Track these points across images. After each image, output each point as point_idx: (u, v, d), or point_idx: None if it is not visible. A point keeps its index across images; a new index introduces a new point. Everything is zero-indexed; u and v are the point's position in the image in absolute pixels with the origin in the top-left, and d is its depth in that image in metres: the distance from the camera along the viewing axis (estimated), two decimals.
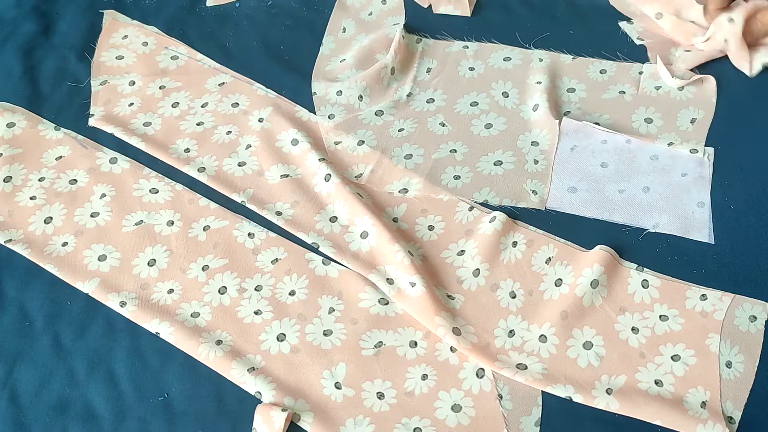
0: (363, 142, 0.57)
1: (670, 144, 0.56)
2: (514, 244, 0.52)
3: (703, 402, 0.45)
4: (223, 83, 0.62)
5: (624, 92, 0.59)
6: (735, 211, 0.52)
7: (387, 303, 0.50)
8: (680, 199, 0.53)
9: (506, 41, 0.63)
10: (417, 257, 0.52)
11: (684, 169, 0.55)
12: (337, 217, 0.54)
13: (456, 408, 0.46)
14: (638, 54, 0.61)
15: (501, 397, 0.46)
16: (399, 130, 0.58)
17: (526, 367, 0.47)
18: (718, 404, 0.45)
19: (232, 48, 0.65)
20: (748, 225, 0.52)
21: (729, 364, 0.46)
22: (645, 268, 0.51)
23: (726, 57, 0.59)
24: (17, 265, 0.53)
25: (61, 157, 0.58)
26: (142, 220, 0.55)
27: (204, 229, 0.54)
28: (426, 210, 0.55)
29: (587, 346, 0.48)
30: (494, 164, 0.56)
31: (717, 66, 0.59)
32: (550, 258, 0.51)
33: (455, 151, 0.57)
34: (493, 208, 0.54)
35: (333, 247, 0.53)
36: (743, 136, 0.56)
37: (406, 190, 0.55)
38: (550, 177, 0.55)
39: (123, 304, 0.50)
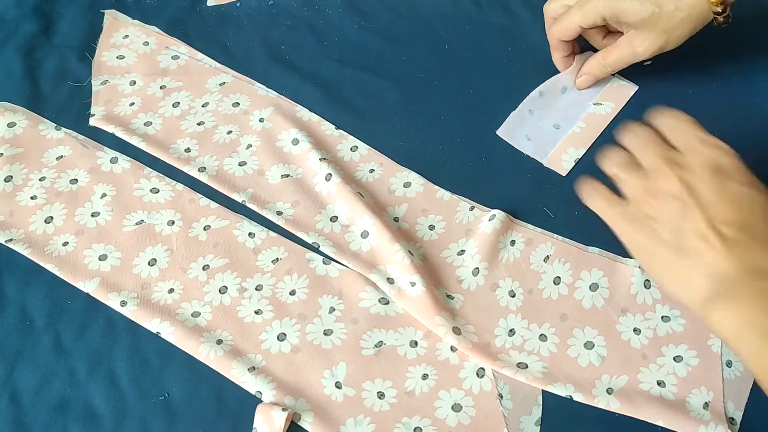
0: None
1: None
2: (513, 242, 0.52)
3: (706, 403, 0.45)
4: (224, 83, 0.62)
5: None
6: None
7: (387, 303, 0.50)
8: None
9: None
10: (417, 257, 0.52)
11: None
12: (337, 217, 0.54)
13: (456, 407, 0.46)
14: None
15: (501, 397, 0.46)
16: None
17: (526, 366, 0.47)
18: (720, 405, 0.45)
19: (233, 48, 0.65)
20: None
21: (729, 364, 0.46)
22: None
23: None
24: (18, 264, 0.53)
25: (61, 156, 0.58)
26: (142, 220, 0.55)
27: (204, 229, 0.54)
28: (426, 210, 0.55)
29: (588, 345, 0.48)
30: None
31: None
32: (548, 256, 0.51)
33: None
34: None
35: (333, 247, 0.53)
36: None
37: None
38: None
39: (123, 303, 0.50)
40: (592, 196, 0.45)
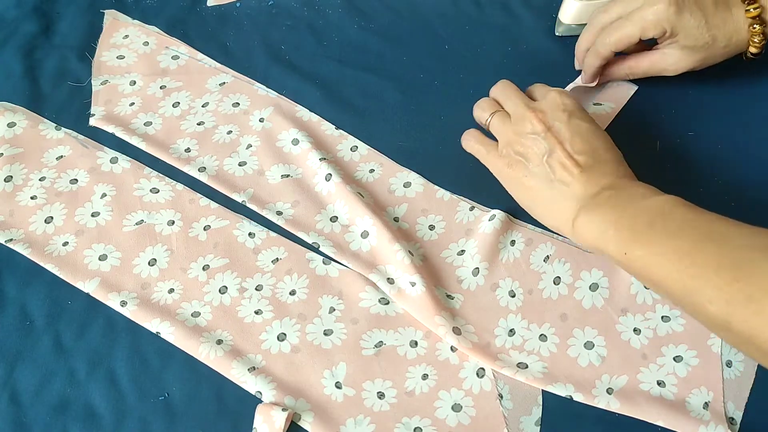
0: None
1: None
2: (513, 242, 0.52)
3: (706, 403, 0.45)
4: (224, 83, 0.62)
5: None
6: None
7: (387, 303, 0.50)
8: None
9: None
10: (417, 257, 0.52)
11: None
12: (337, 217, 0.54)
13: (456, 407, 0.46)
14: None
15: (501, 397, 0.46)
16: None
17: (526, 366, 0.47)
18: (720, 405, 0.45)
19: (233, 48, 0.65)
20: None
21: (729, 364, 0.46)
22: None
23: None
24: (18, 264, 0.53)
25: (61, 156, 0.58)
26: (142, 220, 0.55)
27: (204, 229, 0.54)
28: (426, 210, 0.55)
29: (588, 345, 0.48)
30: None
31: None
32: (548, 256, 0.51)
33: None
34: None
35: (333, 247, 0.53)
36: None
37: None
38: None
39: (123, 303, 0.50)
40: (468, 140, 0.53)
